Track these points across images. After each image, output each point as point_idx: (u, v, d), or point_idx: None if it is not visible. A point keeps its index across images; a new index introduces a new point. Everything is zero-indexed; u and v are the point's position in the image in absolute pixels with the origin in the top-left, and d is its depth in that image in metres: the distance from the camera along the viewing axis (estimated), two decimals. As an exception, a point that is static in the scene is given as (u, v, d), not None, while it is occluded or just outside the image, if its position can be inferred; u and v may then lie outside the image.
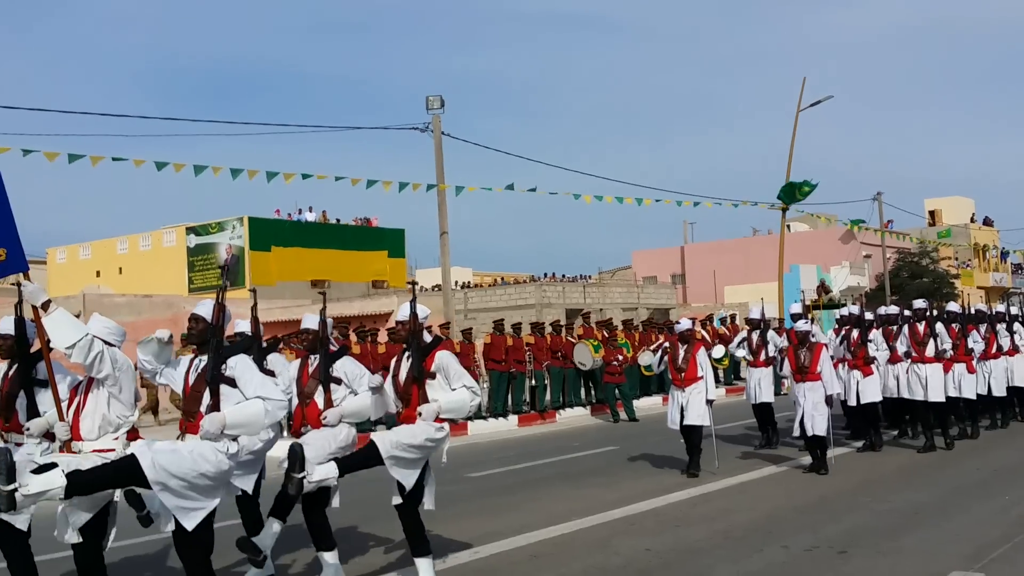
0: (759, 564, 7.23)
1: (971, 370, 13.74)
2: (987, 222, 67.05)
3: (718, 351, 18.21)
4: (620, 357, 19.62)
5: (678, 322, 12.54)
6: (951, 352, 13.28)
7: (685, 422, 11.46)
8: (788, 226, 42.44)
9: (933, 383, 12.95)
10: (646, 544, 8.00)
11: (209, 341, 5.74)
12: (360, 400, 7.01)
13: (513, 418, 18.90)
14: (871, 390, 13.04)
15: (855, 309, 13.75)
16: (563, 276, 54.89)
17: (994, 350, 14.78)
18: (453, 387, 6.75)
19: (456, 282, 47.32)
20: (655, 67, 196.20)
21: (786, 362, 12.03)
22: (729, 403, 19.82)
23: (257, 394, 5.62)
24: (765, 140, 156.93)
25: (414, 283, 7.39)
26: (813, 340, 11.78)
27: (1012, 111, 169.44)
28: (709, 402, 11.53)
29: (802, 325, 12.03)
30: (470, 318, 36.23)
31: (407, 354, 6.82)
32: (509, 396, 19.21)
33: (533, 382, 19.58)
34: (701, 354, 11.65)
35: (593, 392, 20.79)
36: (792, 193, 33.90)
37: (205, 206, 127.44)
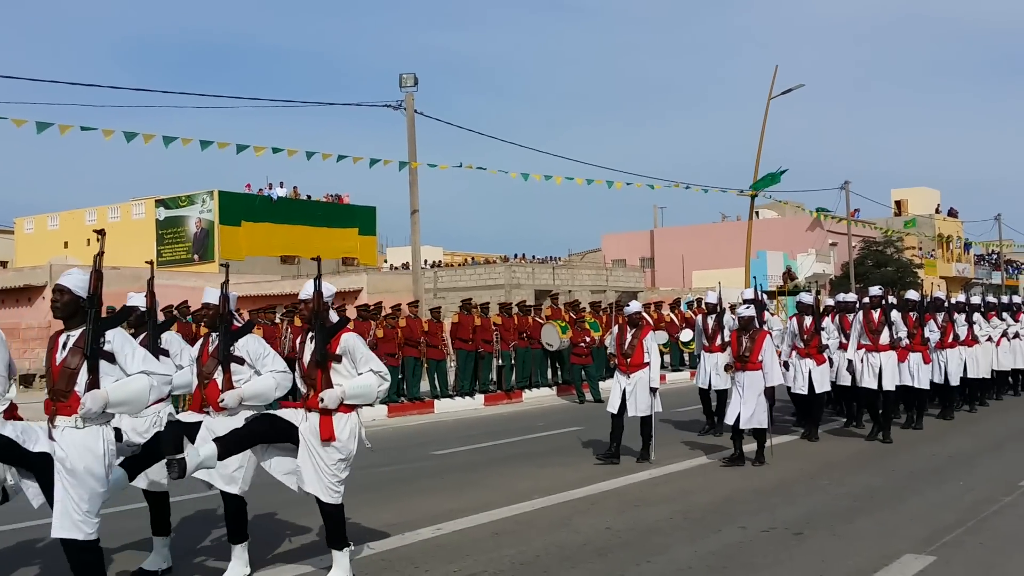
0: (716, 544, 7.35)
1: (927, 360, 13.66)
2: (952, 213, 67.88)
3: (686, 335, 18.33)
4: (587, 339, 19.75)
5: (627, 304, 11.97)
6: (906, 341, 13.14)
7: (632, 414, 11.09)
8: (756, 213, 42.76)
9: (887, 372, 12.75)
10: (606, 523, 8.10)
11: (87, 312, 5.21)
12: (263, 382, 6.48)
13: (479, 397, 18.98)
14: (821, 380, 12.89)
15: (808, 297, 13.50)
16: (533, 257, 55.07)
17: (951, 339, 14.81)
18: (360, 371, 6.27)
19: (426, 261, 47.24)
20: (630, 51, 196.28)
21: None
22: (693, 386, 19.95)
23: (141, 368, 5.23)
24: (736, 127, 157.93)
25: (319, 258, 6.72)
26: (757, 327, 11.25)
27: (980, 105, 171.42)
28: (653, 390, 11.11)
29: (744, 311, 11.34)
30: (439, 297, 36.23)
31: (311, 335, 6.33)
32: (476, 375, 19.29)
33: (500, 362, 19.66)
34: (649, 339, 11.17)
35: (560, 373, 20.91)
36: (769, 182, 34.43)
37: (175, 179, 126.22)
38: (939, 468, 10.81)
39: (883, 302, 13.15)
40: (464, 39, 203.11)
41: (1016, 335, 17.62)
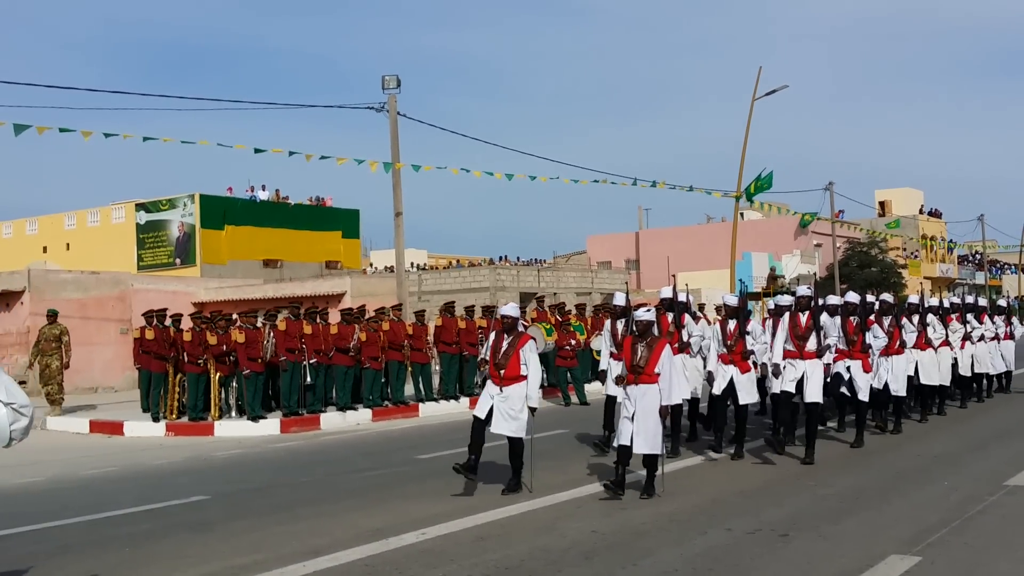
0: (702, 546, 7.32)
1: (866, 368, 12.44)
2: (935, 214, 68.32)
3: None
4: (573, 341, 19.73)
5: (503, 306, 10.44)
6: (835, 348, 11.84)
7: (495, 430, 9.67)
8: (741, 214, 42.85)
9: (813, 383, 11.26)
10: (592, 526, 8.06)
11: None
12: None
13: (465, 400, 18.91)
14: (747, 390, 11.70)
15: (731, 299, 12.04)
16: (518, 259, 55.10)
17: (897, 345, 13.41)
18: None
19: (411, 264, 47.17)
20: (614, 52, 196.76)
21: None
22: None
23: None
24: (721, 128, 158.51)
25: None
26: (656, 335, 9.73)
27: (962, 106, 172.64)
28: (531, 409, 9.70)
29: (643, 314, 9.69)
30: (424, 300, 36.14)
31: None
32: (461, 379, 19.21)
33: (485, 365, 19.57)
34: (527, 348, 9.72)
35: (545, 375, 20.86)
36: (755, 189, 34.37)
37: (156, 183, 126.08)
38: (924, 468, 10.81)
39: (812, 304, 11.63)
40: (448, 40, 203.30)
41: (981, 338, 16.67)
